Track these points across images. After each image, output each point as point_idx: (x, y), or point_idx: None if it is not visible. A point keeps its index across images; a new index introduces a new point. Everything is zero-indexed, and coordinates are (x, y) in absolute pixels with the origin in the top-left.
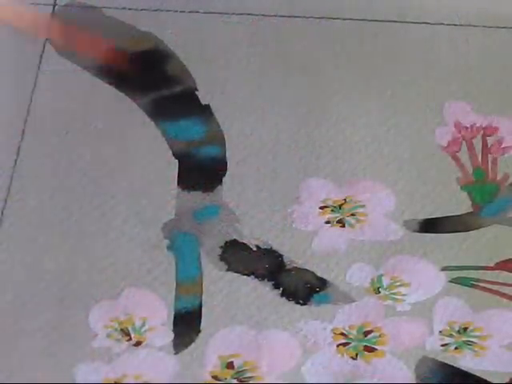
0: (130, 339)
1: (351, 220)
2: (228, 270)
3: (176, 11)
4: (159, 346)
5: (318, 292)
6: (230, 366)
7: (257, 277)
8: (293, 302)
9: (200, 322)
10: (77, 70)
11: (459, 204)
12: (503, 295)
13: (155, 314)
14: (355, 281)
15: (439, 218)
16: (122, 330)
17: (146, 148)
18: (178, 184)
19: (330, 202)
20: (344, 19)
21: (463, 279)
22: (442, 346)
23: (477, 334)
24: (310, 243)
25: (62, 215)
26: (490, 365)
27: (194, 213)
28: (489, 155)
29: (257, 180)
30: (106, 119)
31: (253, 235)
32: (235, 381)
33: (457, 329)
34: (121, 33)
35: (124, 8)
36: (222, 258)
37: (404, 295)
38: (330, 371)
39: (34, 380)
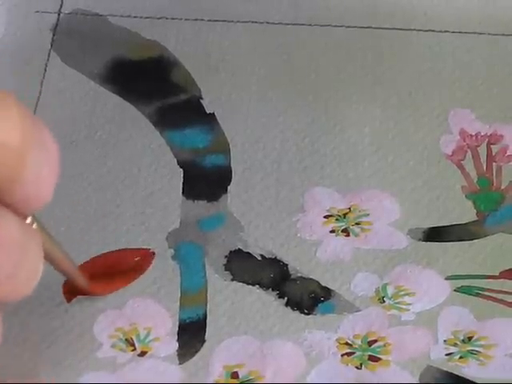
0: (135, 349)
1: (356, 229)
2: (233, 279)
3: (181, 19)
4: (164, 356)
5: (322, 301)
6: (234, 375)
7: (261, 286)
8: (297, 311)
9: (205, 331)
10: (82, 79)
11: (464, 213)
12: (508, 304)
13: (160, 324)
14: (360, 290)
15: (444, 227)
16: (126, 340)
17: (151, 157)
18: (183, 193)
19: (334, 211)
20: (348, 27)
21: (468, 288)
22: (447, 355)
23: (481, 343)
24: (315, 252)
25: (66, 225)
26: (495, 374)
27: (199, 222)
28: (493, 163)
29: (261, 189)
30: (110, 128)
31: (257, 244)
32: None
33: (461, 338)
34: (125, 41)
35: (129, 16)
36: (227, 267)
37: (409, 304)
38: (334, 381)
39: None
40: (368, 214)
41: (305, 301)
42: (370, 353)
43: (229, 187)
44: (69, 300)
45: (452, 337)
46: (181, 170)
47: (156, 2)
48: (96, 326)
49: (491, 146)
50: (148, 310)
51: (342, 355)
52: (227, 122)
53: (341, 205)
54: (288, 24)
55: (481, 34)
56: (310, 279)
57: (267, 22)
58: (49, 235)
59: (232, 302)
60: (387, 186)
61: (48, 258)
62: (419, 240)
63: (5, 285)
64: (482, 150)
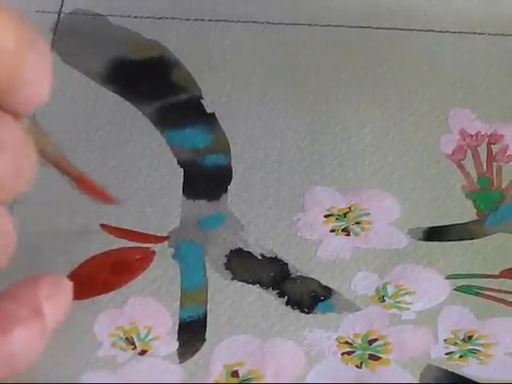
0: (135, 348)
1: (356, 228)
2: (233, 278)
3: (181, 19)
4: (164, 354)
5: (322, 300)
6: (234, 374)
7: (262, 285)
8: (298, 310)
9: (205, 330)
10: (82, 79)
11: (464, 212)
12: (508, 303)
13: (160, 322)
14: (360, 289)
15: (444, 227)
16: (126, 338)
17: (151, 156)
18: (183, 192)
19: (334, 211)
20: (349, 27)
21: (468, 287)
22: (447, 354)
23: (481, 342)
24: (315, 252)
25: (67, 225)
26: (495, 373)
27: (199, 221)
28: (494, 163)
29: (262, 188)
30: (111, 128)
31: (258, 244)
32: None
33: (461, 337)
34: (126, 41)
35: (129, 16)
36: (227, 266)
37: (409, 304)
38: (334, 380)
39: None
40: (368, 214)
41: (305, 300)
42: (370, 352)
43: (229, 187)
44: None
45: (452, 336)
46: (181, 169)
47: (156, 1)
48: (96, 324)
49: (491, 145)
50: (148, 308)
51: (342, 354)
52: (227, 122)
53: (341, 204)
54: (288, 24)
55: (481, 34)
56: (311, 278)
57: (267, 22)
58: (41, 131)
59: (232, 301)
60: (387, 185)
61: (41, 154)
62: (419, 239)
63: (13, 185)
64: (482, 150)
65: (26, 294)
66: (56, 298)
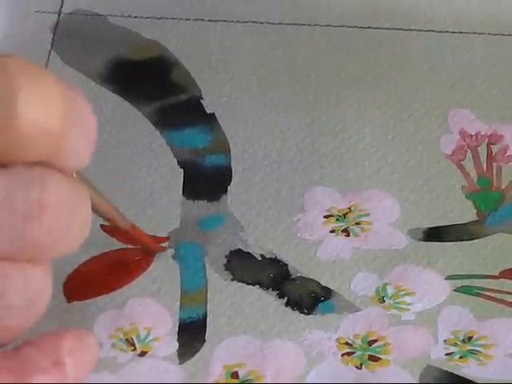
0: (135, 349)
1: (356, 229)
2: (233, 279)
3: (181, 19)
4: (164, 355)
5: (322, 301)
6: (234, 375)
7: (262, 286)
8: (297, 311)
9: (205, 331)
10: (82, 79)
11: (464, 212)
12: (508, 304)
13: (160, 323)
14: (360, 290)
15: (444, 227)
16: (126, 339)
17: (151, 157)
18: (183, 193)
19: (334, 211)
20: (349, 27)
21: (468, 288)
22: (447, 354)
23: (481, 342)
24: (315, 252)
25: None
26: (494, 373)
27: (199, 222)
28: (493, 163)
29: (262, 189)
30: (111, 128)
31: (257, 244)
32: None
33: (461, 338)
34: (125, 41)
35: (129, 16)
36: (227, 267)
37: (409, 304)
38: (334, 381)
39: None
40: (368, 214)
41: (305, 300)
42: (370, 352)
43: (229, 187)
44: (69, 300)
45: (452, 336)
46: (181, 170)
47: (156, 2)
48: (96, 325)
49: (491, 145)
50: (148, 309)
51: (342, 355)
52: (227, 122)
53: (341, 205)
54: (288, 24)
55: (481, 34)
56: (310, 279)
57: (267, 22)
58: (88, 183)
59: (232, 302)
60: (387, 185)
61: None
62: (419, 240)
63: (59, 246)
64: (482, 150)
65: (50, 344)
66: (79, 353)
